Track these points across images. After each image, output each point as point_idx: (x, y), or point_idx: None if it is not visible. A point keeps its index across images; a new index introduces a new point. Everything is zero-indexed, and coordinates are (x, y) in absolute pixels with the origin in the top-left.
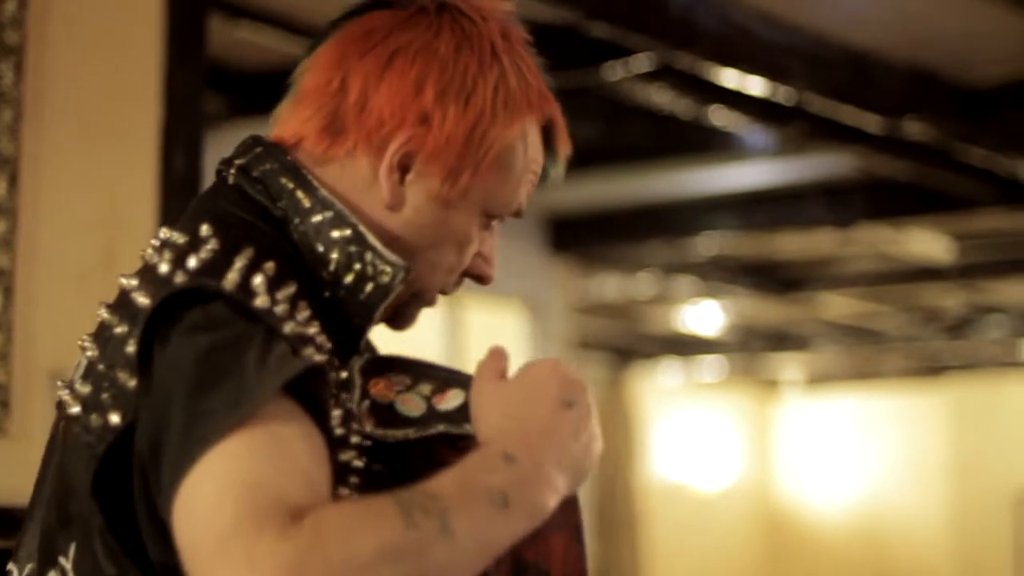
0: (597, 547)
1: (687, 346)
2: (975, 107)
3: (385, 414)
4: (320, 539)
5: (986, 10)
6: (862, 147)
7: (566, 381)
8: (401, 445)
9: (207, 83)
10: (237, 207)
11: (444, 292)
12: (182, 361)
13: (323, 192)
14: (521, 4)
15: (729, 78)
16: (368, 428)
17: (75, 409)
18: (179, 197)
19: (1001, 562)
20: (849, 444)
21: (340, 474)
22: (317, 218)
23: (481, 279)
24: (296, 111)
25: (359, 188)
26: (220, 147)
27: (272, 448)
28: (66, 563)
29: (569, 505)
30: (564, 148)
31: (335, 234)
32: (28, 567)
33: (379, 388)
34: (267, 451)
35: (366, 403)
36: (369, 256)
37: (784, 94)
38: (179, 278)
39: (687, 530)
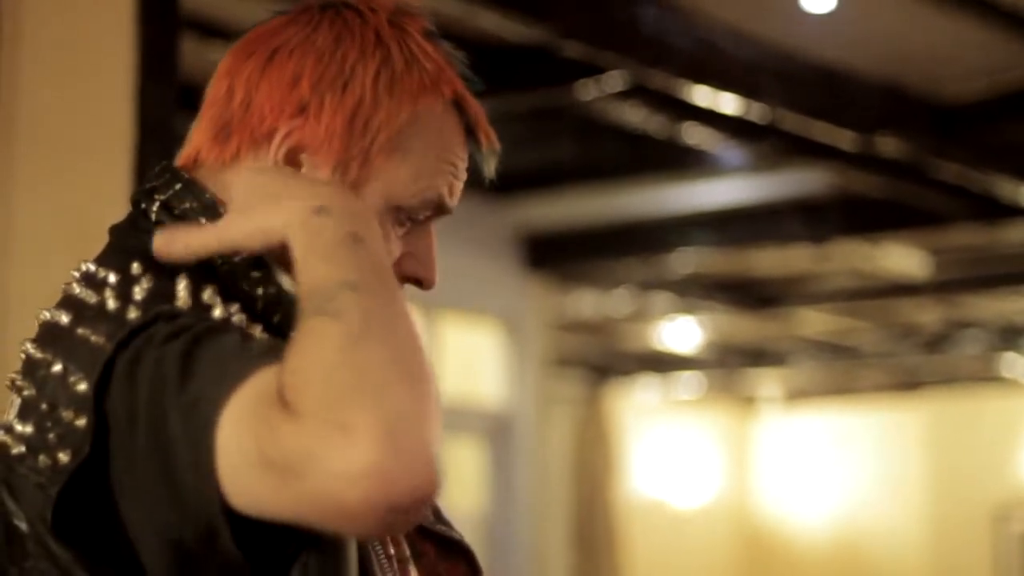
0: (576, 564)
1: (664, 363)
2: (948, 123)
3: None
4: (310, 391)
5: (958, 27)
6: (836, 163)
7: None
8: None
9: (180, 104)
10: None
11: None
12: (167, 361)
13: (222, 210)
14: (493, 24)
15: (702, 96)
16: None
17: (18, 450)
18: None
19: None
20: (827, 460)
21: None
22: None
23: (419, 283)
24: (196, 125)
25: None
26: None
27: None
28: None
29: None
30: (486, 136)
31: (247, 266)
32: None
33: None
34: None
35: None
36: (272, 287)
37: (757, 111)
38: (132, 313)
39: (666, 547)
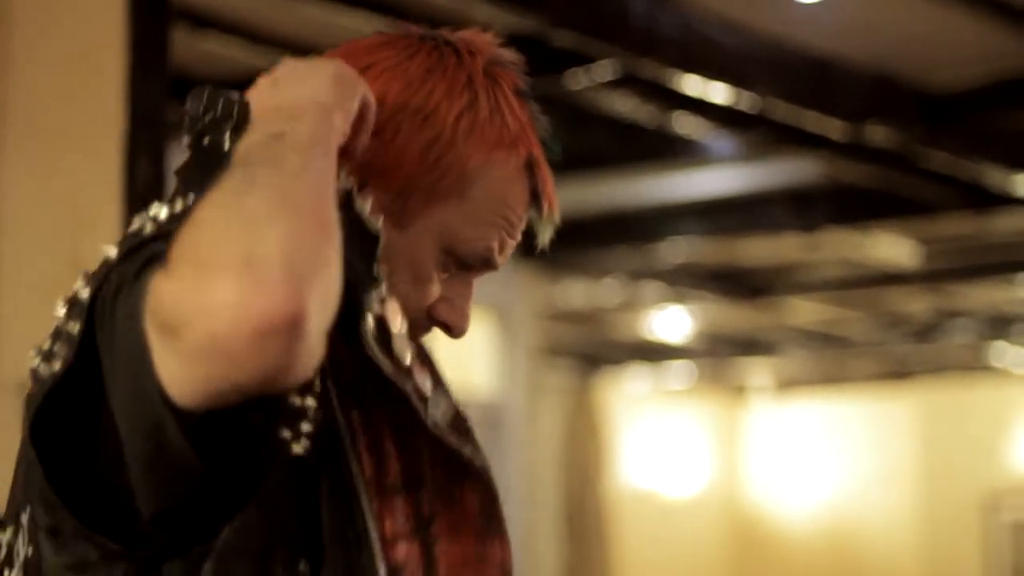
0: (566, 554)
1: (654, 352)
2: (937, 112)
3: None
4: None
5: (947, 15)
6: (826, 153)
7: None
8: None
9: (171, 93)
10: None
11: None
12: (133, 262)
13: None
14: (483, 12)
15: (692, 85)
16: None
17: (34, 362)
18: (144, 205)
19: (970, 566)
20: (818, 449)
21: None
22: None
23: (448, 328)
24: None
25: None
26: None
27: None
28: (25, 519)
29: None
30: (549, 204)
31: None
32: (8, 532)
33: None
34: None
35: None
36: None
37: (747, 100)
38: (149, 229)
39: (656, 537)
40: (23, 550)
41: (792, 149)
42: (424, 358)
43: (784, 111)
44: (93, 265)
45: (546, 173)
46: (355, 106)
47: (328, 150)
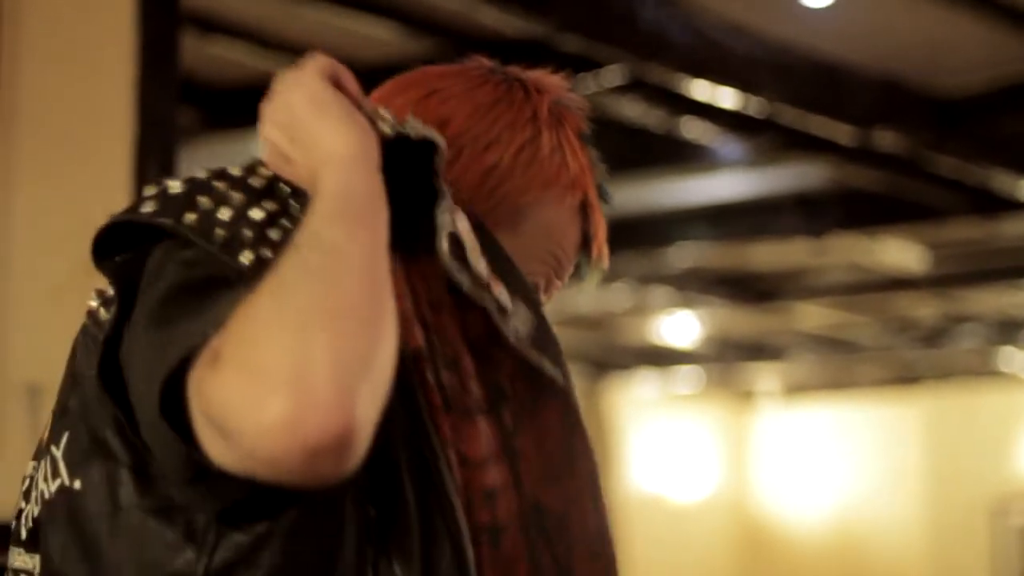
0: None
1: (663, 357)
2: (945, 117)
3: None
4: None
5: (955, 20)
6: (834, 157)
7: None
8: None
9: (180, 98)
10: None
11: None
12: (169, 268)
13: None
14: (491, 16)
15: (700, 90)
16: None
17: (94, 303)
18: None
19: (977, 570)
20: (825, 454)
21: None
22: None
23: None
24: None
25: None
26: (193, 160)
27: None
28: (56, 452)
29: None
30: (599, 250)
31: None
32: (33, 464)
33: None
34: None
35: None
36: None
37: (755, 105)
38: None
39: (664, 541)
40: (46, 486)
41: (800, 154)
42: (502, 269)
43: (792, 116)
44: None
45: (600, 219)
46: (369, 129)
47: (367, 207)
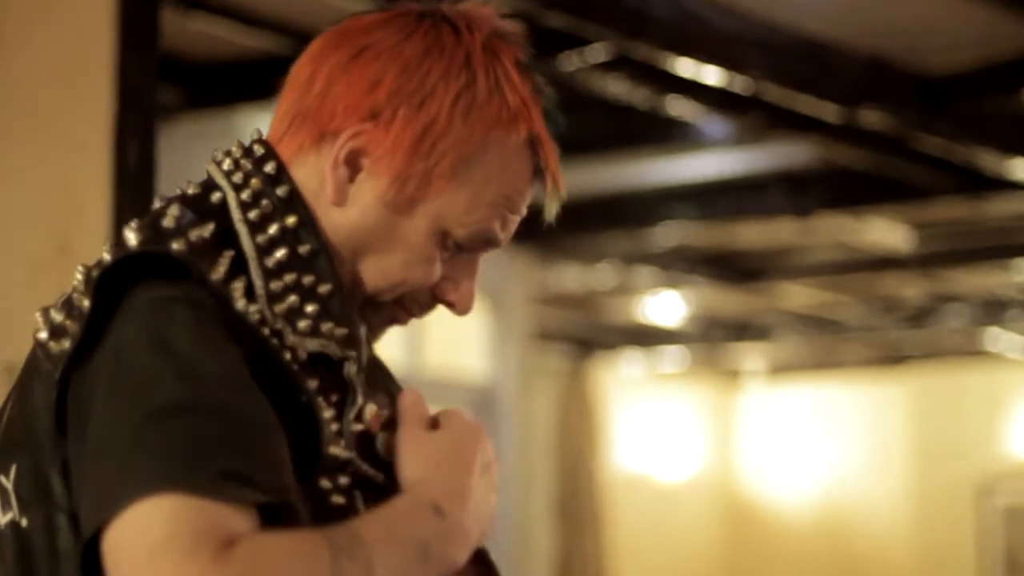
0: (560, 538)
1: (648, 337)
2: (932, 96)
3: (367, 447)
4: (252, 571)
5: None
6: (820, 136)
7: (486, 446)
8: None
9: (161, 74)
10: None
11: (410, 315)
12: (143, 340)
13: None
14: None
15: (685, 67)
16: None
17: (43, 335)
18: (132, 188)
19: (964, 550)
20: (811, 434)
21: (330, 469)
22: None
23: (450, 306)
24: (279, 104)
25: (316, 185)
26: (174, 138)
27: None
28: (7, 483)
29: (480, 556)
30: (553, 179)
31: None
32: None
33: (371, 416)
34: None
35: (358, 427)
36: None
37: (740, 83)
38: (168, 222)
39: (650, 520)
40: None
41: (785, 132)
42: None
43: (777, 94)
44: (80, 249)
45: (549, 148)
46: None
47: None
